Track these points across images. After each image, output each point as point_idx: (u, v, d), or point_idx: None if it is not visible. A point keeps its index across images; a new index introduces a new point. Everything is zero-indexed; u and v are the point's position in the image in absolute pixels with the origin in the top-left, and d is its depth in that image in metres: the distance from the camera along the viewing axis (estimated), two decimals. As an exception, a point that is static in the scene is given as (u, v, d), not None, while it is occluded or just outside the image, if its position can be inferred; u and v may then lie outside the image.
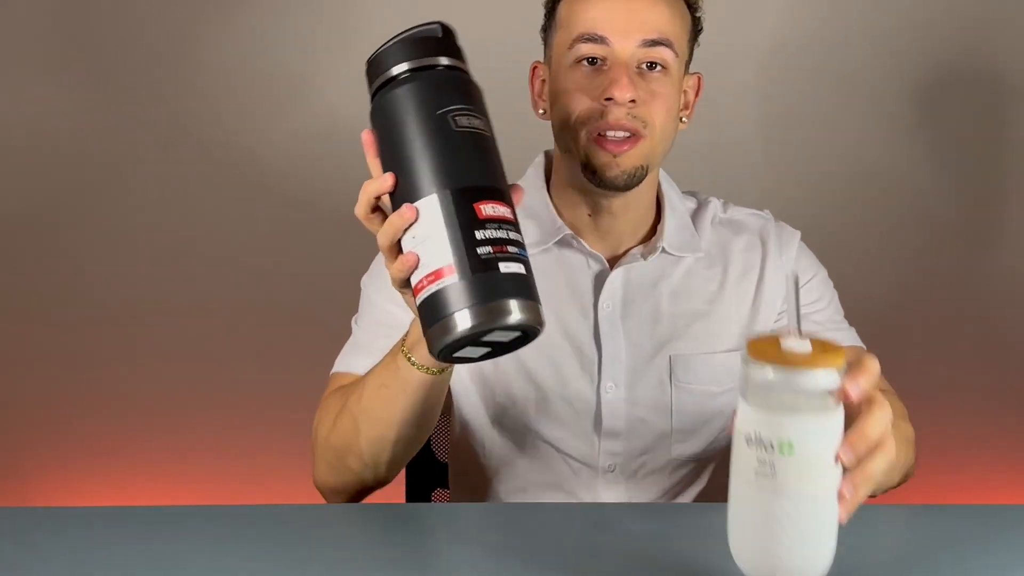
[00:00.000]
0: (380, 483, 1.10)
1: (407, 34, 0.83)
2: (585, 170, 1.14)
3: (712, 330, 1.20)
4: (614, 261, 1.20)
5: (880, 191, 2.01)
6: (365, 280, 1.21)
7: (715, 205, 1.26)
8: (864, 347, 1.19)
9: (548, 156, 1.27)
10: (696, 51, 1.20)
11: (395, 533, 0.97)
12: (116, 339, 2.18)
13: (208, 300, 2.15)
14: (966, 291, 2.07)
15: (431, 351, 0.79)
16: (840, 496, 0.74)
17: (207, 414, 2.19)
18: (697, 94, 1.21)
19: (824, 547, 0.76)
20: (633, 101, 1.09)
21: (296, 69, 2.06)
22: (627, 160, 1.12)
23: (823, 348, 0.73)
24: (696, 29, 1.18)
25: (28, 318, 2.18)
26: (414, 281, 0.79)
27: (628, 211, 1.19)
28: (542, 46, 1.22)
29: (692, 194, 1.28)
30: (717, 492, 1.25)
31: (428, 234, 0.78)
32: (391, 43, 0.83)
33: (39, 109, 2.09)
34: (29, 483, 2.24)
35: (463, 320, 0.76)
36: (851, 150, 2.01)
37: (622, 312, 1.19)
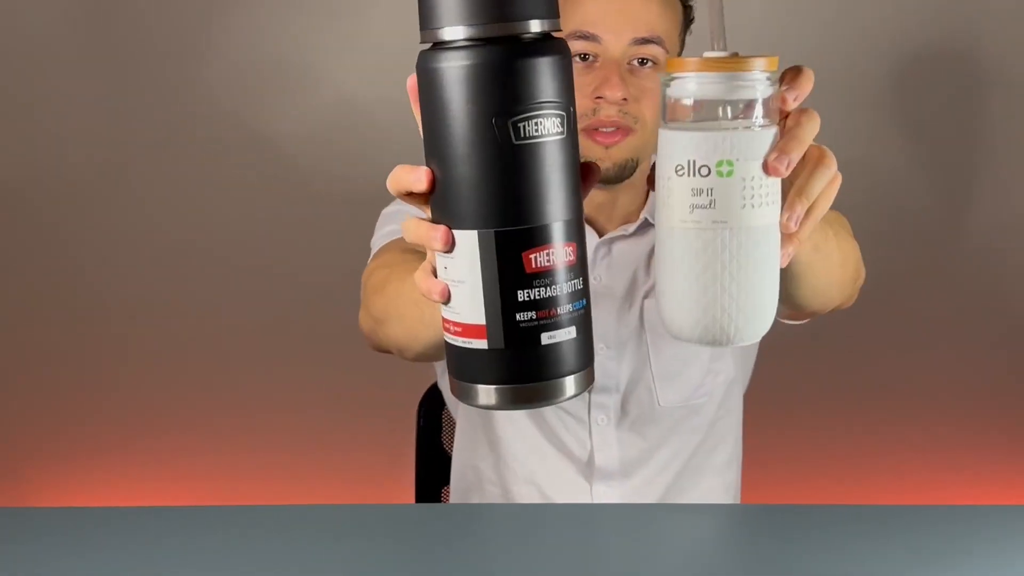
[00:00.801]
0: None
1: None
2: None
3: None
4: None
5: (863, 183, 2.01)
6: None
7: None
8: None
9: None
10: (687, 44, 1.20)
11: (398, 534, 0.97)
12: (116, 339, 2.18)
13: (210, 299, 2.15)
14: (949, 279, 2.07)
15: (452, 391, 0.68)
16: (784, 227, 0.67)
17: (207, 414, 2.19)
18: None
19: (768, 297, 0.67)
20: (624, 99, 1.12)
21: (303, 60, 2.05)
22: (618, 152, 1.14)
23: (748, 55, 0.64)
24: (688, 19, 1.19)
25: (28, 318, 2.18)
26: (443, 313, 0.66)
27: (620, 195, 1.22)
28: None
29: None
30: (710, 440, 1.27)
31: (462, 277, 0.63)
32: None
33: (42, 105, 2.09)
34: (29, 483, 2.24)
35: (487, 396, 0.65)
36: (828, 140, 2.01)
37: (607, 280, 1.23)
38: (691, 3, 1.19)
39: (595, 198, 1.22)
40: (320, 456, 2.12)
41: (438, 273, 0.66)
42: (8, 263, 2.15)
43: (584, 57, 1.13)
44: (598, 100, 1.12)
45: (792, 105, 0.67)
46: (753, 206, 0.64)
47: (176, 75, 2.07)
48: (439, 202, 0.64)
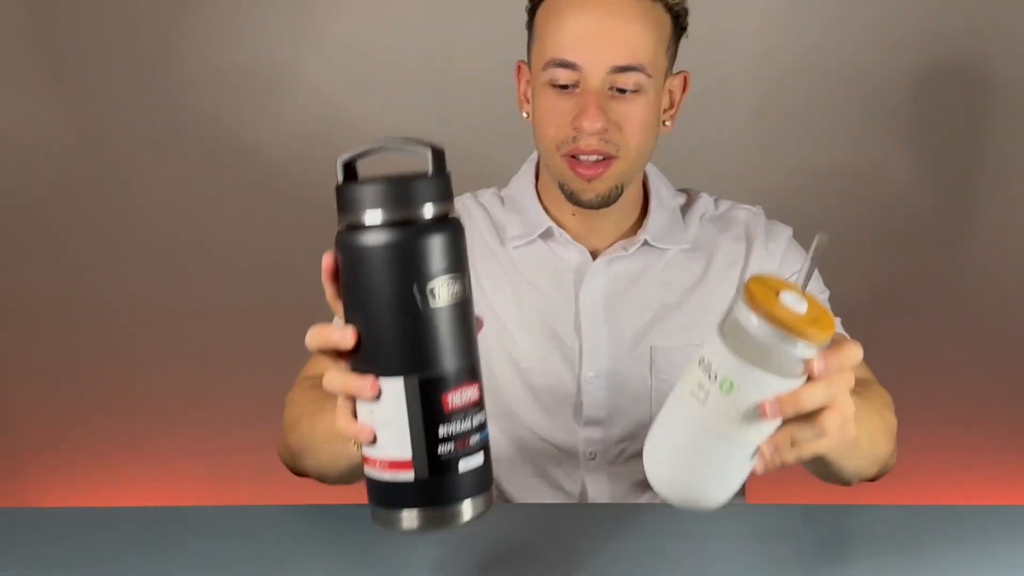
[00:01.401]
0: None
1: (388, 180, 0.72)
2: (562, 190, 1.16)
3: (693, 322, 1.20)
4: (600, 253, 1.21)
5: (869, 189, 2.01)
6: None
7: (706, 201, 1.26)
8: (847, 336, 1.19)
9: None
10: (687, 46, 1.17)
11: (393, 534, 0.97)
12: (116, 339, 2.18)
13: (208, 299, 2.15)
14: (955, 285, 2.07)
15: (372, 518, 0.76)
16: (760, 452, 0.73)
17: (208, 414, 2.19)
18: (684, 91, 1.20)
19: (727, 487, 0.75)
20: (605, 129, 1.09)
21: (283, 61, 2.04)
22: (601, 184, 1.13)
23: (814, 319, 0.70)
24: (678, 28, 1.15)
25: (28, 319, 2.18)
26: (365, 451, 0.75)
27: (611, 212, 1.19)
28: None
29: (684, 191, 1.29)
30: None
31: (388, 420, 0.73)
32: (367, 182, 0.72)
33: (26, 112, 2.09)
34: (29, 483, 2.24)
35: (410, 520, 0.73)
36: (840, 149, 2.01)
37: (604, 303, 1.20)
38: (680, 11, 1.14)
39: (581, 217, 1.20)
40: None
41: (361, 416, 0.74)
42: (8, 263, 2.15)
43: (564, 87, 1.10)
44: (577, 130, 1.10)
45: (816, 376, 0.71)
46: (736, 426, 0.71)
47: (158, 77, 2.06)
48: (364, 356, 0.73)
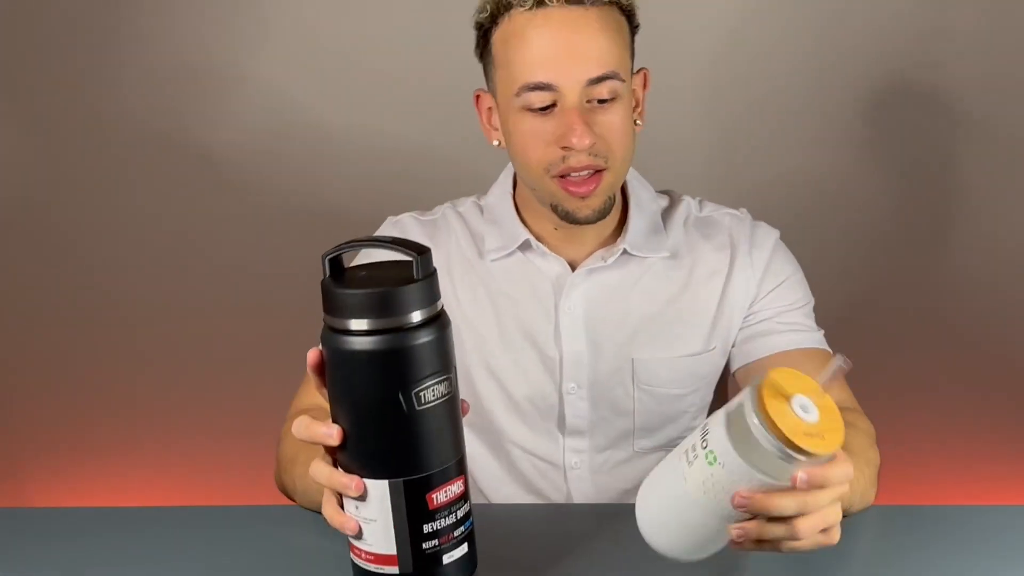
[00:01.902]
0: None
1: (373, 287, 0.72)
2: (555, 211, 1.14)
3: (675, 332, 1.19)
4: (579, 263, 1.20)
5: (839, 195, 2.00)
6: None
7: (689, 204, 1.24)
8: (830, 351, 1.18)
9: None
10: (648, 47, 1.16)
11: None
12: (116, 340, 2.18)
13: (207, 301, 2.14)
14: (927, 290, 2.07)
15: None
16: (729, 529, 0.74)
17: (208, 415, 2.19)
18: (645, 88, 1.18)
19: (700, 548, 0.76)
20: (593, 143, 1.08)
21: (246, 62, 2.03)
22: (595, 199, 1.11)
23: (818, 432, 0.70)
24: (632, 26, 1.14)
25: (28, 319, 2.18)
26: (352, 542, 0.77)
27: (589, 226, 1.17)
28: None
29: (667, 193, 1.26)
30: None
31: (373, 516, 0.75)
32: (351, 287, 0.72)
33: None
34: (29, 483, 2.24)
35: None
36: (807, 153, 2.00)
37: (584, 314, 1.18)
38: (630, 10, 1.12)
39: (562, 229, 1.18)
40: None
41: (347, 508, 0.76)
42: (8, 263, 2.15)
43: (541, 109, 1.08)
44: (566, 149, 1.08)
45: (800, 487, 0.71)
46: (712, 497, 0.72)
47: (119, 80, 2.05)
48: (351, 455, 0.75)
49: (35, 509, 1.07)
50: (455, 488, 0.76)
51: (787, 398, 0.70)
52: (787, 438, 0.68)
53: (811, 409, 0.70)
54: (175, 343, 2.16)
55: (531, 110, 1.09)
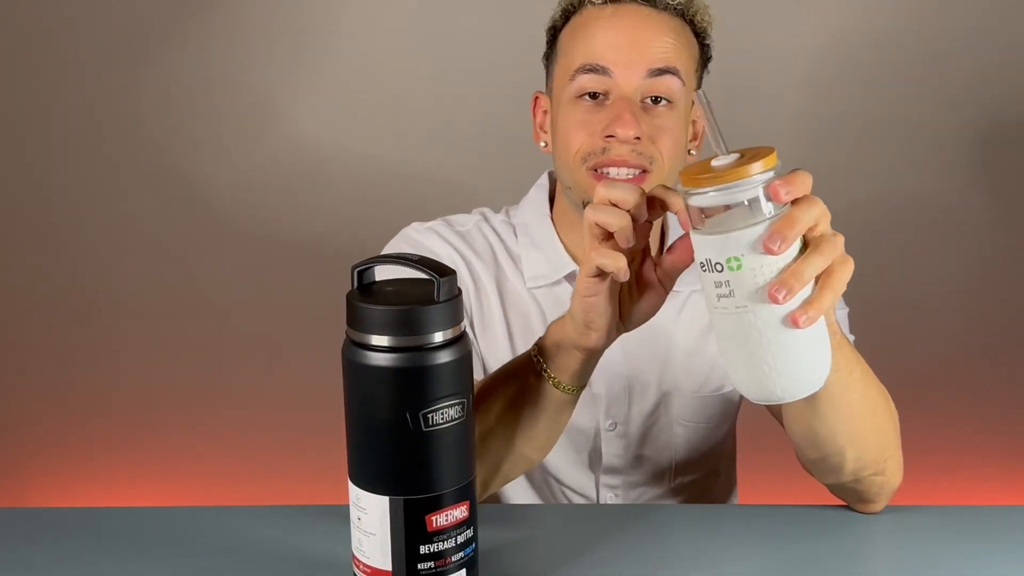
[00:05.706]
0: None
1: (395, 303, 0.72)
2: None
3: (709, 365, 1.16)
4: None
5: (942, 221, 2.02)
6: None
7: None
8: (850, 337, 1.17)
9: (552, 177, 1.22)
10: (721, 61, 1.14)
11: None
12: (116, 340, 2.18)
13: (208, 302, 2.15)
14: (946, 283, 2.07)
15: None
16: (771, 298, 0.71)
17: (208, 415, 2.19)
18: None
19: (809, 354, 0.74)
20: (638, 138, 1.03)
21: (262, 94, 2.04)
22: None
23: (751, 156, 0.71)
24: (705, 58, 1.12)
25: (28, 319, 2.18)
26: (354, 552, 0.77)
27: None
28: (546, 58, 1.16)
29: None
30: (720, 499, 1.26)
31: (373, 530, 0.75)
32: (374, 302, 0.73)
33: None
34: (29, 483, 2.24)
35: None
36: (878, 175, 2.02)
37: (624, 352, 1.14)
38: (708, 42, 1.11)
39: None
40: (320, 456, 2.12)
41: (352, 518, 0.76)
42: (7, 264, 2.15)
43: (594, 95, 1.05)
44: (609, 139, 1.04)
45: (786, 198, 0.70)
46: (753, 298, 0.71)
47: (127, 108, 2.06)
48: (356, 467, 0.75)
49: (35, 509, 1.07)
50: (458, 513, 0.75)
51: (706, 167, 0.72)
52: (723, 175, 0.70)
53: (728, 158, 0.72)
54: (175, 343, 2.17)
55: (582, 98, 1.06)
